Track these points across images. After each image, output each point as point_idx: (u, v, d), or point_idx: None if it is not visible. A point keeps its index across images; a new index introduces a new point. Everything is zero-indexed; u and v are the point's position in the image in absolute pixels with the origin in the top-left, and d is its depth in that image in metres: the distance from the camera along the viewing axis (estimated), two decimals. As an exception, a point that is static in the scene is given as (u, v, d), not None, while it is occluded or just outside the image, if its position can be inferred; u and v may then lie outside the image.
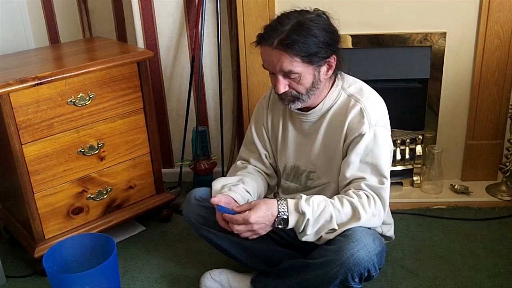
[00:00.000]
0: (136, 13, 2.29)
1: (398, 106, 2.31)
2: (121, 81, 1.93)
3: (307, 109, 1.59)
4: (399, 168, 2.36)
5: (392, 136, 2.26)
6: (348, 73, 1.62)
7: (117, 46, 2.14)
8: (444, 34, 2.14)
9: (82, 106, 1.85)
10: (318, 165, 1.62)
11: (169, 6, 2.29)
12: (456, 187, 2.31)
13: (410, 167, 2.36)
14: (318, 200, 1.45)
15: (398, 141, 2.33)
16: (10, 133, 1.70)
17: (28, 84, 1.69)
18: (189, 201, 1.68)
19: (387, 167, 1.52)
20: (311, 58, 1.43)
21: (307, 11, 1.49)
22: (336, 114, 1.57)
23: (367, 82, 2.22)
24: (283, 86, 1.48)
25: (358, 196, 1.46)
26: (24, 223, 1.94)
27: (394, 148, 2.32)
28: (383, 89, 2.23)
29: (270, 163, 1.77)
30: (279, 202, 1.44)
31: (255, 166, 1.75)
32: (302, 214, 1.42)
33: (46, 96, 1.76)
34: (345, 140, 1.54)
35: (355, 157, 1.50)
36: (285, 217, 1.43)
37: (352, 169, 1.50)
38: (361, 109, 1.51)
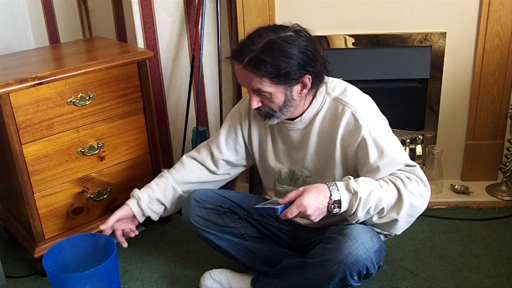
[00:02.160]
0: (136, 13, 2.29)
1: (398, 106, 2.31)
2: (121, 81, 1.93)
3: (293, 117, 1.57)
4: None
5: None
6: (329, 75, 1.58)
7: (117, 46, 2.14)
8: (444, 34, 2.14)
9: (82, 106, 1.85)
10: (313, 170, 1.61)
11: (169, 6, 2.29)
12: (456, 187, 2.31)
13: (410, 167, 2.35)
14: (366, 181, 1.42)
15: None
16: (10, 133, 1.70)
17: (28, 84, 1.69)
18: (188, 203, 1.68)
19: (404, 155, 1.50)
20: (280, 79, 1.41)
21: (284, 28, 1.44)
22: (325, 119, 1.55)
23: (368, 82, 2.23)
24: (255, 102, 1.48)
25: (400, 178, 1.44)
26: (24, 223, 1.94)
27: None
28: (383, 89, 2.26)
29: (224, 170, 1.76)
30: (329, 184, 1.40)
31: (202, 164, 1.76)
32: (354, 193, 1.38)
33: (46, 96, 1.76)
34: (344, 147, 1.51)
35: (373, 161, 1.46)
36: (338, 198, 1.38)
37: (378, 171, 1.47)
38: (352, 113, 1.49)
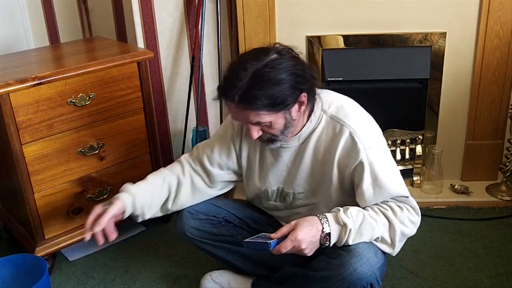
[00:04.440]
0: (136, 13, 2.29)
1: (398, 106, 2.31)
2: (121, 81, 1.93)
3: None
4: (399, 168, 2.35)
5: (392, 136, 2.30)
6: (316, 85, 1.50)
7: (117, 46, 2.14)
8: (444, 34, 2.14)
9: (82, 106, 1.85)
10: (306, 187, 1.56)
11: (169, 6, 2.29)
12: (456, 187, 2.31)
13: (410, 167, 2.36)
14: (355, 211, 1.39)
15: (398, 141, 2.33)
16: (10, 133, 1.70)
17: (28, 84, 1.69)
18: (182, 215, 1.66)
19: (398, 185, 1.45)
20: (278, 107, 1.35)
21: (265, 52, 1.36)
22: (321, 138, 1.49)
23: (368, 82, 2.23)
24: (256, 132, 1.42)
25: (391, 207, 1.42)
26: (24, 223, 1.94)
27: (394, 148, 2.33)
28: (383, 89, 2.26)
29: (216, 180, 1.66)
30: (320, 217, 1.37)
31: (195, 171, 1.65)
32: (343, 225, 1.36)
33: (46, 96, 1.76)
34: (341, 168, 1.47)
35: (366, 186, 1.42)
36: (329, 230, 1.36)
37: (369, 198, 1.44)
38: (350, 134, 1.43)
